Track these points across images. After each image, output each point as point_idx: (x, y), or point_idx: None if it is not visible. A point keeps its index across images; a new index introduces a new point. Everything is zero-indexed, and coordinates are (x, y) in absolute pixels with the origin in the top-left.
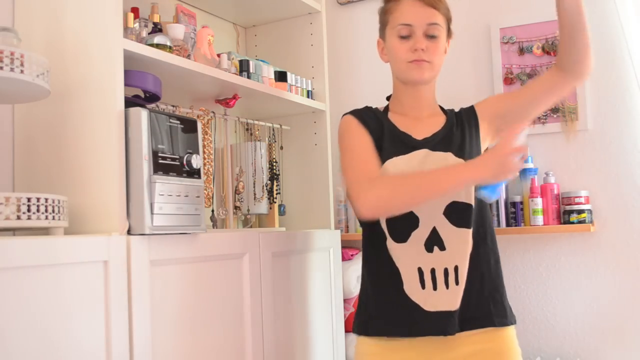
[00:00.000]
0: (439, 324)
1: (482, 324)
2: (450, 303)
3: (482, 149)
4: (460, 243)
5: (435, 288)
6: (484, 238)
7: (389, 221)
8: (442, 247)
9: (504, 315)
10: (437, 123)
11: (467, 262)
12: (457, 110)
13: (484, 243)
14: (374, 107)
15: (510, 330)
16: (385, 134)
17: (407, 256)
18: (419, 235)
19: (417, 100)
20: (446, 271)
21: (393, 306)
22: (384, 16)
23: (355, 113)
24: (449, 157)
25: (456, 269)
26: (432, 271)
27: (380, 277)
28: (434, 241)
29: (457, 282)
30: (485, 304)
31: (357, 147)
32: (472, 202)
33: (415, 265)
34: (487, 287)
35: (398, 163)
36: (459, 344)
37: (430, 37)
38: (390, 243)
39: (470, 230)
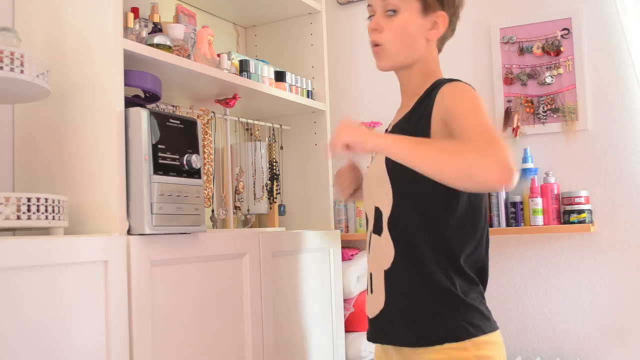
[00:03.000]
0: (368, 329)
1: (392, 340)
2: (369, 309)
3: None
4: (378, 250)
5: (371, 291)
6: (405, 249)
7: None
8: (370, 251)
9: (415, 335)
10: (405, 110)
11: (381, 271)
12: (445, 81)
13: (404, 255)
14: None
15: (431, 353)
16: None
17: (368, 257)
18: (368, 237)
19: (401, 85)
20: (370, 276)
21: None
22: None
23: None
24: (380, 157)
25: (372, 275)
26: (370, 274)
27: None
28: (369, 244)
29: (371, 290)
30: (398, 320)
31: None
32: (384, 209)
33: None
34: (403, 303)
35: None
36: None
37: (392, 12)
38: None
39: (383, 238)
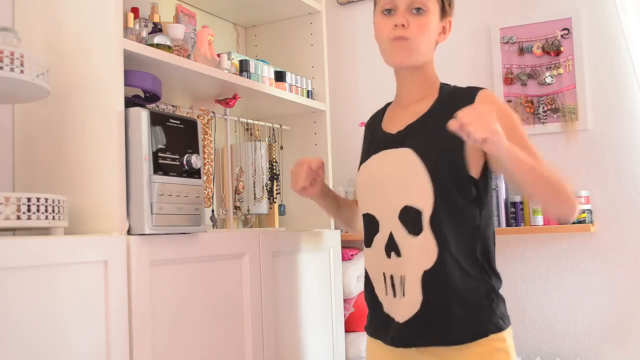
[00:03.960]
0: (395, 334)
1: (434, 341)
2: (399, 313)
3: (469, 145)
4: (414, 251)
5: (394, 295)
6: (447, 247)
7: (363, 226)
8: (398, 254)
9: (463, 332)
10: (419, 110)
11: (419, 272)
12: (461, 87)
13: (448, 253)
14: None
15: (473, 348)
16: (372, 134)
17: (373, 261)
18: (380, 240)
19: (406, 84)
20: (400, 279)
21: (372, 307)
22: None
23: (368, 121)
24: (407, 155)
25: (403, 278)
26: (391, 278)
27: (364, 279)
28: (391, 247)
29: (403, 293)
30: (441, 320)
31: None
32: (422, 208)
33: (380, 270)
34: (446, 302)
35: (363, 168)
36: None
37: (417, 11)
38: (364, 247)
39: (422, 237)
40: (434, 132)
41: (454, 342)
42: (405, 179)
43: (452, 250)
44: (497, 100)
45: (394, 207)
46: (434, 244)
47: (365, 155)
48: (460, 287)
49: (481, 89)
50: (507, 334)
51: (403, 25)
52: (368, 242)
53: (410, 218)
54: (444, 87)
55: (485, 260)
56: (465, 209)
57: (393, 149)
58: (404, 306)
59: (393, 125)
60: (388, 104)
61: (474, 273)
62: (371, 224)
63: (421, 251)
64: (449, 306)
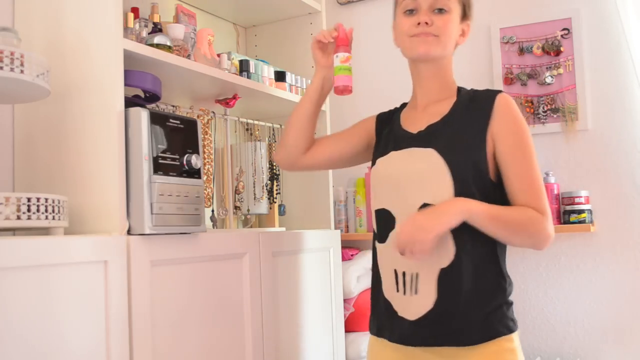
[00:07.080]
0: (403, 332)
1: (444, 341)
2: (410, 311)
3: (489, 149)
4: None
5: (405, 292)
6: (464, 247)
7: (376, 221)
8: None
9: (476, 333)
10: (440, 111)
11: (436, 270)
12: (479, 90)
13: (465, 253)
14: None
15: (482, 348)
16: (388, 131)
17: (385, 257)
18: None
19: (425, 84)
20: (412, 277)
21: (377, 306)
22: None
23: (380, 115)
24: (431, 155)
25: (416, 276)
26: (403, 275)
27: (372, 276)
28: None
29: (415, 291)
30: (454, 320)
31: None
32: None
33: (392, 266)
34: (461, 301)
35: (380, 163)
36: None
37: (439, 10)
38: (377, 243)
39: (445, 237)
40: (457, 134)
41: (465, 342)
42: (427, 177)
43: (469, 251)
44: (513, 108)
45: (412, 204)
46: (452, 243)
47: (382, 151)
48: (474, 288)
49: (499, 92)
50: (516, 335)
51: (427, 23)
52: (382, 237)
53: None
54: (461, 90)
55: (500, 264)
56: None
57: (414, 147)
58: (415, 304)
59: (412, 124)
60: (404, 105)
61: (489, 275)
62: (386, 220)
63: (438, 249)
64: (462, 306)
